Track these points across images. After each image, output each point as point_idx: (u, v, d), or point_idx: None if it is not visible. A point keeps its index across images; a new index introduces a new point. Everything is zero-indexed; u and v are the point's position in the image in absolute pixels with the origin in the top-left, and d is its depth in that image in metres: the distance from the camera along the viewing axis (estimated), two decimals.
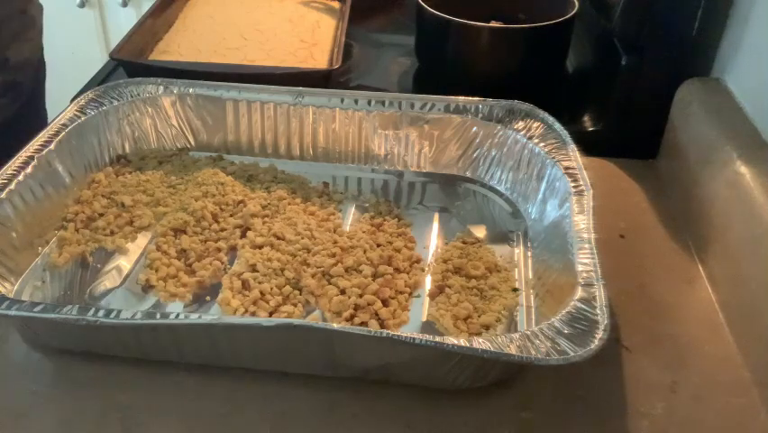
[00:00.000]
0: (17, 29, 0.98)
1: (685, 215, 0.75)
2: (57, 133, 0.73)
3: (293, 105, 0.80)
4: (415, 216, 0.75)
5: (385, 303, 0.63)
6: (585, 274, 0.56)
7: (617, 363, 0.60)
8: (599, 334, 0.51)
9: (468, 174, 0.80)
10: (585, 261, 0.58)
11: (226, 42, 1.04)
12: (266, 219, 0.73)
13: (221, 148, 0.83)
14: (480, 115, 0.78)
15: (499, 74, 0.94)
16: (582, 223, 0.62)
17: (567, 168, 0.69)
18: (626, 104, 0.84)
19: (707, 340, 0.63)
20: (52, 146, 0.71)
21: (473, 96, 0.78)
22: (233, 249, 0.70)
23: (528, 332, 0.51)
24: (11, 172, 0.67)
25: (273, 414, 0.55)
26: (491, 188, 0.78)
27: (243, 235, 0.71)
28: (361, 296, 0.63)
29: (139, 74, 0.85)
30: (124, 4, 1.60)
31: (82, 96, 0.79)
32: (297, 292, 0.64)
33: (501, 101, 0.77)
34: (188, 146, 0.84)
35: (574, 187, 0.66)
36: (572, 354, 0.49)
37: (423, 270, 0.68)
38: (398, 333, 0.51)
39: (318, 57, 1.01)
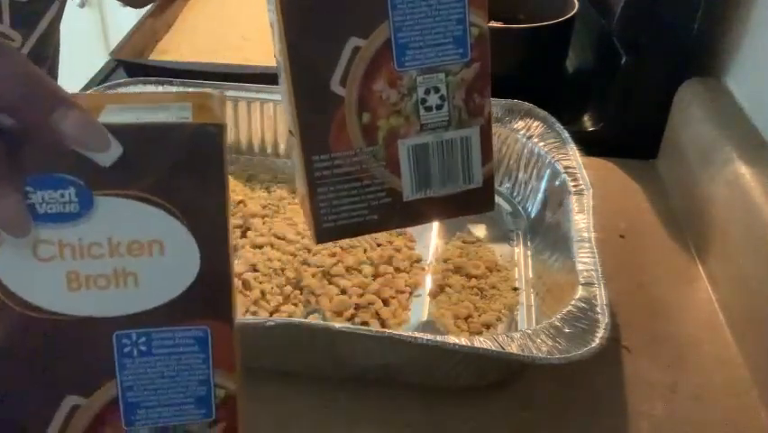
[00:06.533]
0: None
1: (685, 215, 0.75)
2: None
3: None
4: None
5: (385, 303, 0.63)
6: (585, 273, 0.56)
7: (617, 363, 0.60)
8: (600, 333, 0.51)
9: None
10: (585, 260, 0.58)
11: (226, 42, 1.04)
12: (266, 219, 0.73)
13: None
14: None
15: (499, 74, 0.93)
16: (582, 222, 0.62)
17: (567, 167, 0.69)
18: (625, 104, 0.84)
19: (707, 340, 0.63)
20: None
21: None
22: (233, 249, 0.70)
23: (529, 331, 0.51)
24: None
25: (273, 414, 0.55)
26: None
27: (243, 235, 0.70)
28: (361, 295, 0.63)
29: (139, 74, 0.85)
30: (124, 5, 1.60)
31: None
32: (297, 292, 0.64)
33: (501, 101, 0.77)
34: None
35: (574, 186, 0.66)
36: (573, 353, 0.49)
37: (423, 269, 0.68)
38: (399, 332, 0.51)
39: None
